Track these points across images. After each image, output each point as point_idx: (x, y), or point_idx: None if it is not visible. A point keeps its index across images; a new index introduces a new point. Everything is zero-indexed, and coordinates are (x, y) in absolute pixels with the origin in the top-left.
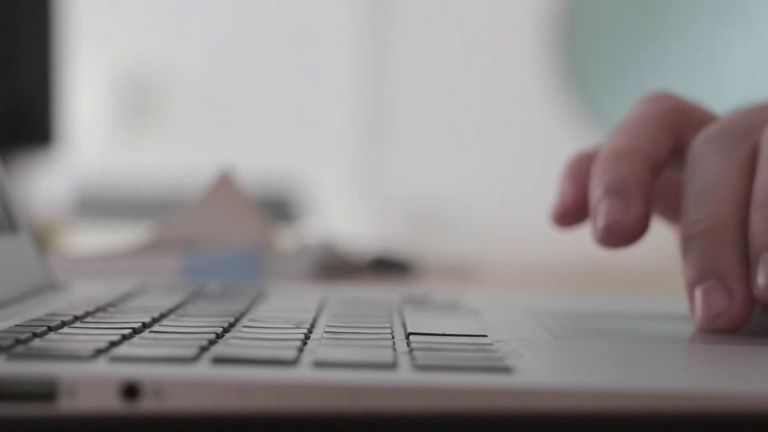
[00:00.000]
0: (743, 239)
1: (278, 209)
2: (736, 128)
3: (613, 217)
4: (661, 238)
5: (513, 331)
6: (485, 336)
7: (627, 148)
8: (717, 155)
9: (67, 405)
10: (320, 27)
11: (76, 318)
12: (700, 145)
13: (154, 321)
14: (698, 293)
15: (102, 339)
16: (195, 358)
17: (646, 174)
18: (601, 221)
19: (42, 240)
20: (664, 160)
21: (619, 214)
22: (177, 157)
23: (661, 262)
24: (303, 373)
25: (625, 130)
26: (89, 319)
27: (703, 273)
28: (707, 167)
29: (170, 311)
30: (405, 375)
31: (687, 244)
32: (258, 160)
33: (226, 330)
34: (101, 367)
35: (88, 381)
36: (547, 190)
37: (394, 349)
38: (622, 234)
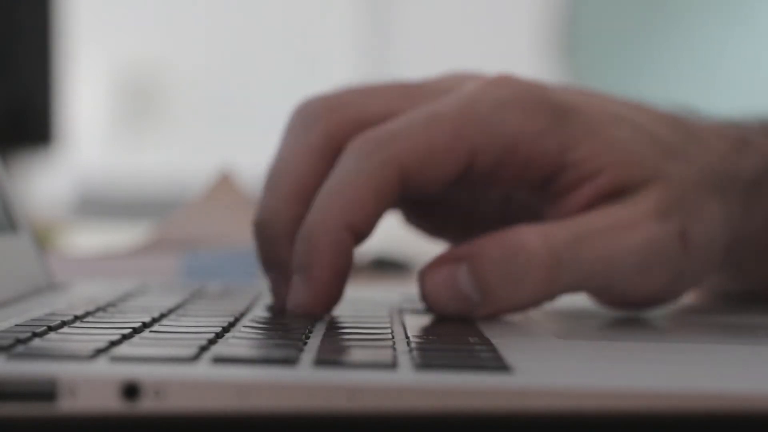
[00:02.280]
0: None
1: None
2: (320, 105)
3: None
4: None
5: (513, 331)
6: (485, 336)
7: (262, 218)
8: (290, 135)
9: (67, 405)
10: (321, 27)
11: (76, 318)
12: (289, 119)
13: (154, 321)
14: (269, 283)
15: (102, 339)
16: (195, 358)
17: (284, 246)
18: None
19: (42, 240)
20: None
21: (277, 291)
22: (177, 157)
23: None
24: (303, 373)
25: (270, 184)
26: (89, 319)
27: (264, 263)
28: (280, 147)
29: (170, 311)
30: (405, 375)
31: (252, 230)
32: (258, 160)
33: (226, 330)
34: (101, 367)
35: (88, 381)
36: None
37: (394, 349)
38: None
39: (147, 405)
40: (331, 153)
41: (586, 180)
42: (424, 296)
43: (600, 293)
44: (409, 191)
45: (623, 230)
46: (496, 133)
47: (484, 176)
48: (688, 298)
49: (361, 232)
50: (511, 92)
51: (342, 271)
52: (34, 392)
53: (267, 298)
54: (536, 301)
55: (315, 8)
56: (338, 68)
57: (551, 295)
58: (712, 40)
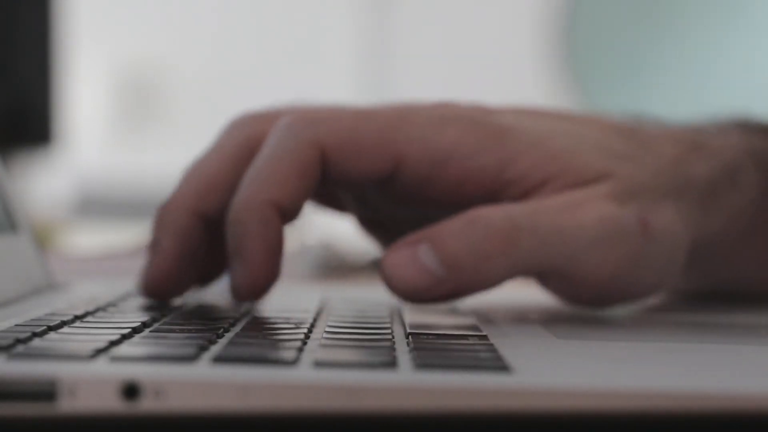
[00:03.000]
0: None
1: None
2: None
3: (143, 281)
4: None
5: (513, 331)
6: (485, 336)
7: (172, 201)
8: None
9: (67, 405)
10: (321, 27)
11: (76, 318)
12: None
13: (154, 321)
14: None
15: (102, 339)
16: (195, 358)
17: (181, 229)
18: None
19: (42, 240)
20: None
21: (148, 278)
22: (178, 157)
23: None
24: (303, 373)
25: (186, 175)
26: (89, 319)
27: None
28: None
29: (170, 311)
30: (405, 375)
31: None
32: None
33: (226, 330)
34: (101, 366)
35: (88, 381)
36: None
37: (394, 349)
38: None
39: (147, 405)
40: (249, 154)
41: (531, 193)
42: (387, 278)
43: (562, 273)
44: (332, 178)
45: (581, 207)
46: (427, 146)
47: (414, 188)
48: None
49: (287, 211)
50: (450, 112)
51: (274, 250)
52: (34, 392)
53: (267, 299)
54: (500, 272)
55: (315, 9)
56: (338, 69)
57: (514, 266)
58: (713, 35)
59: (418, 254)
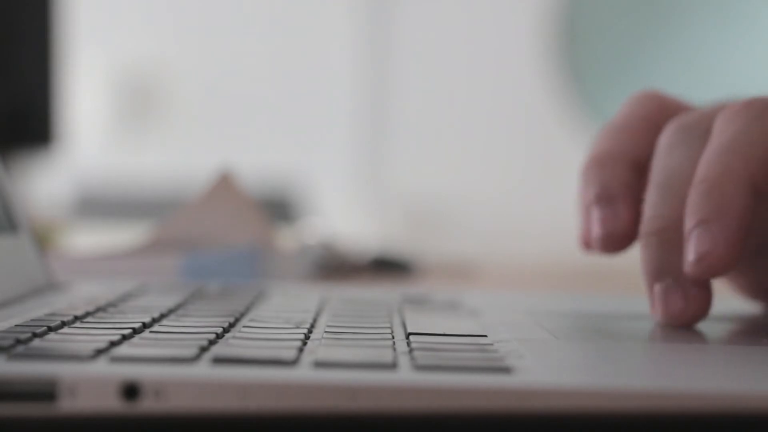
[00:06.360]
0: None
1: (278, 209)
2: (705, 119)
3: (606, 226)
4: None
5: (513, 331)
6: (485, 336)
7: (609, 153)
8: (681, 147)
9: (67, 405)
10: (320, 27)
11: (76, 318)
12: (667, 135)
13: (154, 321)
14: (657, 291)
15: (102, 339)
16: (195, 358)
17: (631, 177)
18: (596, 231)
19: (42, 240)
20: (648, 161)
21: (611, 223)
22: (177, 157)
23: None
24: (303, 373)
25: (609, 133)
26: (89, 319)
27: (660, 271)
28: (670, 159)
29: (170, 311)
30: (405, 375)
31: (645, 239)
32: (258, 160)
33: (226, 330)
34: (101, 367)
35: (88, 381)
36: (547, 189)
37: (394, 349)
38: (616, 241)
39: (147, 405)
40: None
41: None
42: None
43: None
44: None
45: None
46: None
47: None
48: None
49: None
50: None
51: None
52: (34, 392)
53: (267, 299)
54: None
55: (314, 9)
56: (337, 68)
57: None
58: (712, 35)
59: None
